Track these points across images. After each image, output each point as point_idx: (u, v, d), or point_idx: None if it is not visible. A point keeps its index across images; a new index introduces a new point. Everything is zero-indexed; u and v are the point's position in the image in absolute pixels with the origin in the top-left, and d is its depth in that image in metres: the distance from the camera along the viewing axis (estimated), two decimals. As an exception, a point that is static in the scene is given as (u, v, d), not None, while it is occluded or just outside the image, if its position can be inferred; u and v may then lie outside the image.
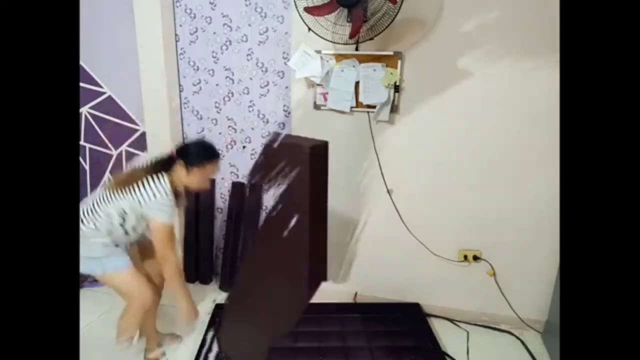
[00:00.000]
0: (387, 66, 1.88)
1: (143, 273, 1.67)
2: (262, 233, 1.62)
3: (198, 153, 1.56)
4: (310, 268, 1.38)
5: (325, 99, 2.01)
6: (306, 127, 2.07)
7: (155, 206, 1.48)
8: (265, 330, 1.56)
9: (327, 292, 2.01)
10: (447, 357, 1.89)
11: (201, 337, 1.97)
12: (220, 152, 1.71)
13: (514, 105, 1.83)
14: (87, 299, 2.31)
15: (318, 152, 1.33)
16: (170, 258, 1.55)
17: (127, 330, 1.67)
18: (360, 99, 1.95)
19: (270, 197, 1.51)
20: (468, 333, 2.06)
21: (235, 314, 1.70)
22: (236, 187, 2.44)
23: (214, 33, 2.24)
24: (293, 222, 1.37)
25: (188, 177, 1.55)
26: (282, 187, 1.38)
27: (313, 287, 1.43)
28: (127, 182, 1.50)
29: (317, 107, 2.05)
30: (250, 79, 2.26)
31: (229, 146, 2.41)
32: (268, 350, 1.59)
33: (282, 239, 1.39)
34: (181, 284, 1.64)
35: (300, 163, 1.30)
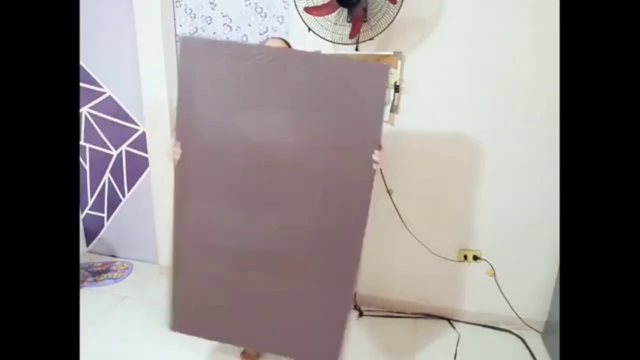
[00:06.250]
0: (387, 66, 1.88)
1: None
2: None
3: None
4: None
5: (325, 99, 2.00)
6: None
7: None
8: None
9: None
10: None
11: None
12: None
13: (514, 106, 1.83)
14: (87, 299, 2.31)
15: (388, 73, 1.05)
16: None
17: None
18: (360, 99, 1.95)
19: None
20: (459, 337, 2.05)
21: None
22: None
23: (214, 33, 2.24)
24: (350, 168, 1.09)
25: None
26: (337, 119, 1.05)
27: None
28: None
29: (317, 107, 2.04)
30: (250, 79, 2.26)
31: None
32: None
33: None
34: None
35: (373, 83, 1.01)
